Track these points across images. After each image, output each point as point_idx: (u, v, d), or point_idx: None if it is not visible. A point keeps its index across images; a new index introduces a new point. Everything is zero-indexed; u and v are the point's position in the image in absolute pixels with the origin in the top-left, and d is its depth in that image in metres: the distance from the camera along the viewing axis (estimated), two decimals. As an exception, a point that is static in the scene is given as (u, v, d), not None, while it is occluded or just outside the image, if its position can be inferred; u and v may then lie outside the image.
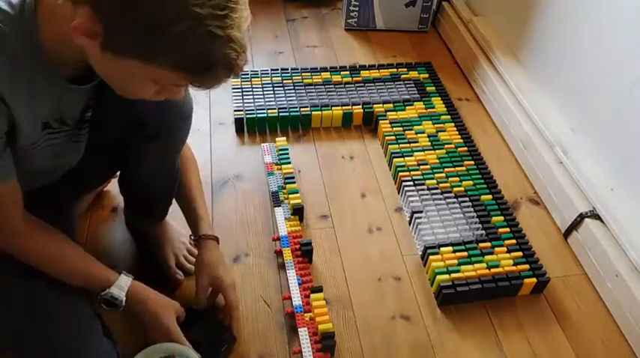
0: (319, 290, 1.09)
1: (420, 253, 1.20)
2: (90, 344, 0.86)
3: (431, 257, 1.15)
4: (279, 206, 1.25)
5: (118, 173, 1.11)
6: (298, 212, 1.24)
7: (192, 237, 1.09)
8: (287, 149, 1.39)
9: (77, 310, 0.88)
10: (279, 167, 1.35)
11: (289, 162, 1.36)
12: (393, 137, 1.44)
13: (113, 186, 1.28)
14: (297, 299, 1.07)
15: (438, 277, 1.11)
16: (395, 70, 1.69)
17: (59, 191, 0.95)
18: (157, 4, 0.59)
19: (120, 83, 0.72)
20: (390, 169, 1.40)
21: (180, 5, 0.58)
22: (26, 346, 0.83)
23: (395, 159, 1.38)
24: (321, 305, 1.06)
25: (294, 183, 1.30)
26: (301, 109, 1.50)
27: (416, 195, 1.28)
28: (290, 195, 1.25)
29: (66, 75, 0.75)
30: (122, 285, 0.88)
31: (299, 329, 1.02)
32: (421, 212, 1.25)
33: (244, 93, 1.55)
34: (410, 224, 1.27)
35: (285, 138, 1.43)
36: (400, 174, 1.34)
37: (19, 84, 0.69)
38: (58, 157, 0.85)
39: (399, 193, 1.34)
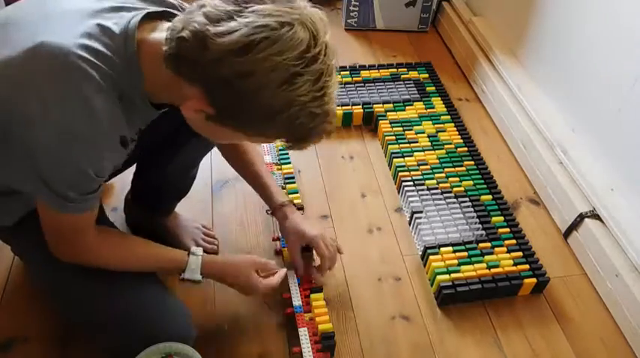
0: (319, 290, 1.09)
1: (420, 253, 1.20)
2: (163, 317, 0.88)
3: (431, 257, 1.15)
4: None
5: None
6: (298, 209, 1.23)
7: (267, 212, 1.11)
8: (285, 151, 1.39)
9: (148, 284, 0.90)
10: (280, 167, 1.34)
11: (289, 162, 1.36)
12: (393, 137, 1.44)
13: (113, 184, 1.28)
14: (297, 300, 1.07)
15: (438, 277, 1.11)
16: (395, 70, 1.69)
17: None
18: (266, 99, 0.64)
19: (212, 137, 0.80)
20: (390, 169, 1.40)
21: (290, 97, 0.65)
22: (100, 321, 0.85)
23: (395, 159, 1.38)
24: (321, 305, 1.06)
25: (294, 183, 1.30)
26: (301, 109, 1.50)
27: (416, 195, 1.28)
28: (290, 195, 1.25)
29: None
30: (193, 268, 0.90)
31: (299, 329, 1.02)
32: (421, 212, 1.25)
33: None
34: (410, 224, 1.27)
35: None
36: (400, 174, 1.34)
37: (127, 118, 0.74)
38: None
39: (399, 193, 1.34)
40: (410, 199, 1.27)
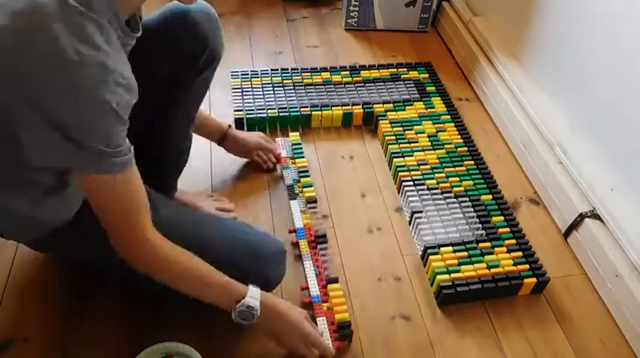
0: (335, 280, 1.12)
1: (420, 253, 1.20)
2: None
3: (431, 257, 1.15)
4: (295, 199, 1.28)
5: None
6: (312, 202, 1.28)
7: (217, 139, 1.28)
8: (300, 144, 1.43)
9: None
10: (294, 161, 1.37)
11: (303, 157, 1.39)
12: (393, 137, 1.44)
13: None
14: (314, 290, 1.09)
15: (438, 277, 1.11)
16: (395, 70, 1.69)
17: None
18: None
19: None
20: (390, 169, 1.40)
21: None
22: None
23: (395, 159, 1.38)
24: (339, 295, 1.09)
25: (308, 176, 1.34)
26: (301, 109, 1.50)
27: (416, 195, 1.29)
28: (304, 189, 1.30)
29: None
30: (255, 295, 0.88)
31: (317, 319, 1.04)
32: (421, 212, 1.25)
33: (244, 93, 1.55)
34: (410, 224, 1.27)
35: (297, 133, 1.46)
36: (400, 174, 1.34)
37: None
38: None
39: (399, 193, 1.34)
40: (410, 199, 1.27)
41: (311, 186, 1.32)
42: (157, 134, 1.07)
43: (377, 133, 1.51)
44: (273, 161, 1.37)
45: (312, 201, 1.28)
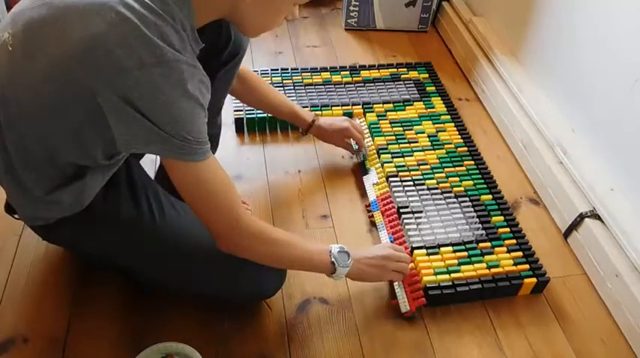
0: (420, 248, 1.17)
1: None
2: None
3: (418, 258, 1.15)
4: (367, 174, 1.36)
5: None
6: (392, 176, 1.33)
7: (302, 133, 1.38)
8: (377, 123, 1.49)
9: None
10: (370, 139, 1.44)
11: (381, 135, 1.46)
12: (393, 137, 1.44)
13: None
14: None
15: (425, 278, 1.11)
16: (395, 70, 1.69)
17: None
18: None
19: (263, 19, 0.84)
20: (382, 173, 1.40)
21: None
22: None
23: (395, 160, 1.38)
24: (425, 260, 1.14)
25: (387, 153, 1.40)
26: (301, 109, 1.50)
27: (402, 191, 1.30)
28: (385, 164, 1.36)
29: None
30: (341, 271, 0.98)
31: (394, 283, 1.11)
32: (407, 207, 1.25)
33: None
34: (400, 221, 1.27)
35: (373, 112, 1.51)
36: (400, 174, 1.34)
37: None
38: None
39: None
40: (396, 195, 1.28)
41: (391, 162, 1.37)
42: None
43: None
44: (360, 144, 1.39)
45: (392, 175, 1.33)
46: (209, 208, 0.83)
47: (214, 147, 1.19)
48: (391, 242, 1.16)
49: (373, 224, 1.25)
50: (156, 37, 0.69)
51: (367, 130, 1.46)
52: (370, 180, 1.34)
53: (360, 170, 1.41)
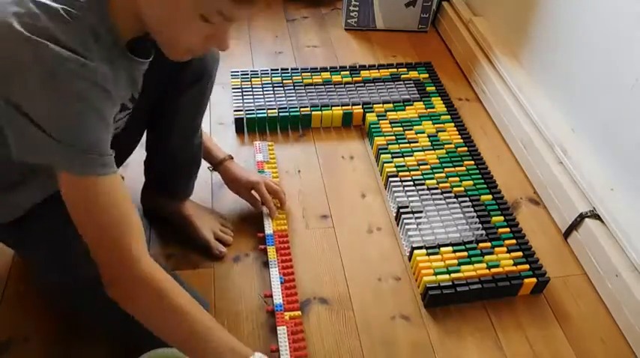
0: (419, 248, 1.16)
1: (408, 253, 1.21)
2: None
3: (418, 258, 1.15)
4: None
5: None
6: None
7: (209, 168, 1.23)
8: (377, 123, 1.47)
9: None
10: (270, 166, 1.36)
11: (381, 135, 1.44)
12: (393, 137, 1.44)
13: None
14: (277, 298, 1.07)
15: (425, 278, 1.11)
16: (395, 70, 1.69)
17: None
18: None
19: (170, 29, 0.71)
20: (382, 174, 1.40)
21: None
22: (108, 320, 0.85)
23: (396, 160, 1.38)
24: (425, 260, 1.12)
25: (387, 153, 1.39)
26: (301, 109, 1.50)
27: (402, 191, 1.29)
28: (385, 164, 1.34)
29: (126, 44, 0.74)
30: None
31: (278, 328, 1.02)
32: (407, 207, 1.25)
33: (244, 93, 1.55)
34: (397, 222, 1.27)
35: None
36: (400, 174, 1.34)
37: (112, 70, 0.70)
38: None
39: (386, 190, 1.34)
40: (396, 195, 1.28)
41: (391, 162, 1.36)
42: (159, 144, 1.10)
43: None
44: (270, 205, 1.22)
45: (392, 175, 1.31)
46: (96, 235, 0.70)
47: (196, 166, 1.17)
48: (282, 283, 1.09)
49: (264, 251, 1.17)
50: (42, 39, 0.62)
51: (367, 130, 1.45)
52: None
53: (359, 171, 1.41)
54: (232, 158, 1.22)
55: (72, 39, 0.64)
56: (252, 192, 1.22)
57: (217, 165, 1.21)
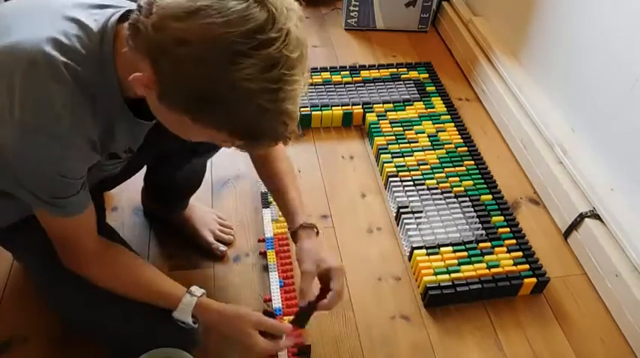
0: (420, 248, 1.16)
1: (408, 253, 1.21)
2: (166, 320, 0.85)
3: (418, 258, 1.15)
4: (268, 207, 1.25)
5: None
6: None
7: (289, 230, 0.98)
8: (377, 123, 1.46)
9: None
10: None
11: (381, 135, 1.43)
12: (393, 137, 1.44)
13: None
14: (277, 302, 1.06)
15: (425, 278, 1.11)
16: (395, 70, 1.69)
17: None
18: (206, 79, 0.58)
19: (174, 129, 0.71)
20: (382, 174, 1.40)
21: (232, 79, 0.58)
22: (101, 326, 0.87)
23: (395, 159, 1.38)
24: (425, 260, 1.13)
25: (387, 153, 1.37)
26: (301, 109, 1.50)
27: (402, 191, 1.30)
28: (385, 164, 1.34)
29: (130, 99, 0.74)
30: (184, 308, 0.83)
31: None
32: (407, 207, 1.25)
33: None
34: (397, 222, 1.27)
35: None
36: (400, 174, 1.34)
37: (101, 125, 0.71)
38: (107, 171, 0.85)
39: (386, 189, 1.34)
40: (396, 195, 1.28)
41: (391, 162, 1.35)
42: (160, 177, 1.11)
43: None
44: (338, 300, 0.91)
45: (392, 175, 1.30)
46: (59, 245, 0.81)
47: (195, 187, 1.16)
48: (281, 286, 1.08)
49: (263, 255, 1.17)
50: (45, 99, 0.64)
51: (367, 130, 1.45)
52: (270, 215, 1.24)
53: (359, 171, 1.41)
54: (316, 229, 0.97)
55: (63, 101, 0.65)
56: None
57: (295, 231, 0.95)
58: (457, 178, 1.34)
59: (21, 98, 0.64)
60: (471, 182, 1.34)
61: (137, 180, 1.20)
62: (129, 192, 1.27)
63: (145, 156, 0.93)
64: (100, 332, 0.90)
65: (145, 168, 1.15)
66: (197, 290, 0.85)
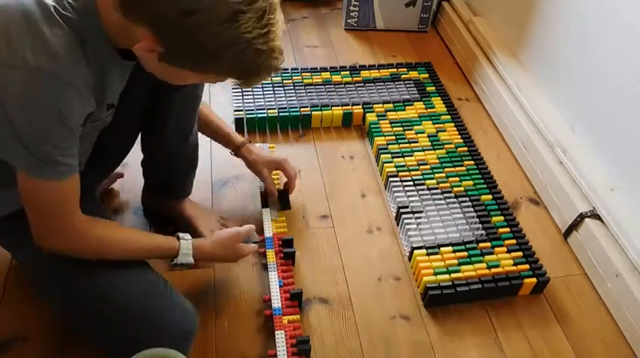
0: (420, 248, 1.17)
1: (408, 253, 1.21)
2: (163, 309, 0.88)
3: (418, 258, 1.15)
4: (268, 207, 1.25)
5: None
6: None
7: (231, 153, 1.21)
8: (377, 123, 1.47)
9: (142, 278, 0.91)
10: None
11: (381, 135, 1.43)
12: (393, 137, 1.44)
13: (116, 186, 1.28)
14: (276, 302, 1.06)
15: (425, 278, 1.11)
16: (395, 70, 1.69)
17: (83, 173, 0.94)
18: (211, 36, 0.66)
19: (168, 79, 0.79)
20: (382, 174, 1.40)
21: (233, 35, 0.66)
22: (100, 322, 0.86)
23: (396, 160, 1.38)
24: (425, 260, 1.13)
25: (387, 153, 1.39)
26: (301, 109, 1.50)
27: (402, 191, 1.30)
28: (385, 164, 1.35)
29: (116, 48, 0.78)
30: (185, 252, 0.94)
31: (276, 332, 1.01)
32: (407, 207, 1.26)
33: (244, 93, 1.55)
34: (397, 222, 1.27)
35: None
36: (400, 174, 1.34)
37: (96, 71, 0.75)
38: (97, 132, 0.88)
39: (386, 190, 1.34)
40: (396, 195, 1.28)
41: (391, 162, 1.36)
42: (154, 141, 1.09)
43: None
44: (294, 184, 1.25)
45: (392, 175, 1.31)
46: (44, 225, 0.81)
47: (194, 164, 1.18)
48: (281, 286, 1.08)
49: (263, 254, 1.16)
50: (34, 42, 0.68)
51: (367, 130, 1.46)
52: (270, 214, 1.23)
53: (359, 171, 1.41)
54: (250, 141, 1.22)
55: (59, 42, 0.69)
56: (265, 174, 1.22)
57: (239, 148, 1.20)
58: (457, 178, 1.34)
59: (20, 44, 0.67)
60: (471, 182, 1.34)
61: (137, 180, 1.20)
62: (129, 193, 1.27)
63: (131, 108, 0.95)
64: (102, 321, 0.88)
65: (141, 168, 1.16)
66: (185, 235, 0.96)
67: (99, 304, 0.85)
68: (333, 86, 1.60)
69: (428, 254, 1.16)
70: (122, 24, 0.69)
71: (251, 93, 1.55)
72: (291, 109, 1.50)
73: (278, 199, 1.25)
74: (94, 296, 0.86)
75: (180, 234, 0.95)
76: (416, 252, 1.16)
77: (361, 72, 1.66)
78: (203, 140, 1.28)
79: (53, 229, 0.81)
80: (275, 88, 1.58)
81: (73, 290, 0.86)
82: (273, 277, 1.10)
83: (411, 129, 1.47)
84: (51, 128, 0.71)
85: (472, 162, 1.40)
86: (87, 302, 0.86)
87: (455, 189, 1.32)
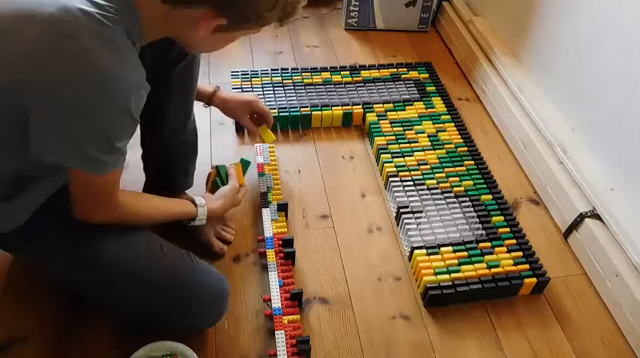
0: (420, 248, 1.17)
1: (408, 253, 1.21)
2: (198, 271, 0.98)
3: (418, 258, 1.15)
4: (267, 207, 1.25)
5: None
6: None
7: (204, 106, 1.25)
8: (377, 123, 1.47)
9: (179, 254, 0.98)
10: (271, 168, 1.35)
11: (381, 134, 1.44)
12: (393, 137, 1.44)
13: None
14: (276, 302, 1.06)
15: (425, 278, 1.11)
16: (395, 70, 1.69)
17: None
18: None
19: (212, 48, 0.88)
20: (378, 167, 1.40)
21: None
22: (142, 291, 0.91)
23: (395, 160, 1.38)
24: (425, 260, 1.13)
25: (387, 153, 1.39)
26: (301, 109, 1.50)
27: (402, 191, 1.30)
28: (385, 164, 1.35)
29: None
30: (202, 218, 1.04)
31: (276, 332, 1.01)
32: (407, 207, 1.26)
33: (244, 93, 1.55)
34: (397, 221, 1.27)
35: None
36: (400, 174, 1.34)
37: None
38: None
39: (386, 189, 1.34)
40: (396, 195, 1.28)
41: (391, 162, 1.37)
42: (154, 129, 1.10)
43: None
44: (268, 121, 1.30)
45: (392, 175, 1.32)
46: (88, 203, 0.86)
47: (193, 154, 1.19)
48: (281, 286, 1.09)
49: (263, 254, 1.17)
50: (97, 43, 0.70)
51: (367, 130, 1.45)
52: (269, 214, 1.24)
53: (359, 171, 1.41)
54: (220, 87, 1.25)
55: (122, 40, 0.73)
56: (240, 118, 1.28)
57: (211, 97, 1.23)
58: (457, 178, 1.34)
59: (89, 51, 0.70)
60: (471, 182, 1.34)
61: (138, 181, 1.20)
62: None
63: None
64: (124, 306, 0.94)
65: (142, 163, 1.17)
66: (200, 200, 1.05)
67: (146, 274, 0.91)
68: (333, 86, 1.60)
69: (428, 254, 1.16)
70: (164, 15, 0.75)
71: (251, 93, 1.55)
72: (291, 109, 1.50)
73: (261, 139, 1.32)
74: (143, 267, 0.92)
75: (196, 200, 1.04)
76: (416, 251, 1.16)
77: (361, 72, 1.66)
78: (203, 139, 1.29)
79: (100, 207, 0.86)
80: (275, 88, 1.58)
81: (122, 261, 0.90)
82: (273, 277, 1.10)
83: (411, 129, 1.47)
84: (123, 125, 0.77)
85: (472, 162, 1.40)
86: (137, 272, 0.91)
87: (455, 189, 1.32)
